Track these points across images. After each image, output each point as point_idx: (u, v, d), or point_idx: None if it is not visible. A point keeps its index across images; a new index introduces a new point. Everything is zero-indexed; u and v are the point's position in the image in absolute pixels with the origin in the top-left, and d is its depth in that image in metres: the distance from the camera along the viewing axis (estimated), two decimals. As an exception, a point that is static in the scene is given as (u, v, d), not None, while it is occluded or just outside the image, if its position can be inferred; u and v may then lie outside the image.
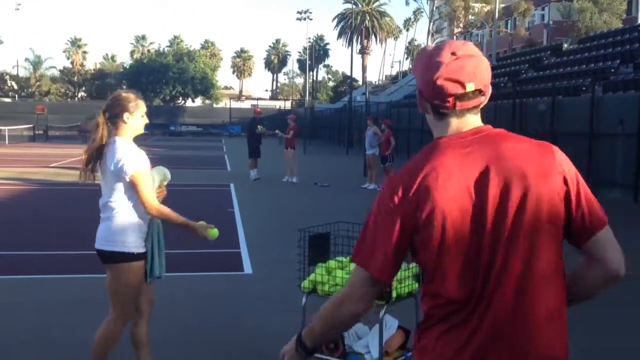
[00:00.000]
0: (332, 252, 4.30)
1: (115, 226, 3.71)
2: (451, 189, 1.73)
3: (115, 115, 3.78)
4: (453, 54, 1.79)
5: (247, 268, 7.64)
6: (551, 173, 1.78)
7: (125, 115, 3.77)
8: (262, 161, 19.07)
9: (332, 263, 4.17)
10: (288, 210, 12.89)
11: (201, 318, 5.72)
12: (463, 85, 1.78)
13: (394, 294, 3.86)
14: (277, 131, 19.07)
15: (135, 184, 3.68)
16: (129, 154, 3.71)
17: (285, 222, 11.26)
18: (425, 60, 1.83)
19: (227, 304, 6.19)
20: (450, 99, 1.79)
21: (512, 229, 1.74)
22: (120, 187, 3.72)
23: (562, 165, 1.81)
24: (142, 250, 3.78)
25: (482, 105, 1.86)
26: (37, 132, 45.42)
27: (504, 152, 1.78)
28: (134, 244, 3.73)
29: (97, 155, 3.73)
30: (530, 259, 1.74)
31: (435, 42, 69.12)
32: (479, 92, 1.81)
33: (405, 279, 3.97)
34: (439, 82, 1.78)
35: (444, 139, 1.83)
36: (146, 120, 3.87)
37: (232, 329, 5.48)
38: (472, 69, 1.78)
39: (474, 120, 1.85)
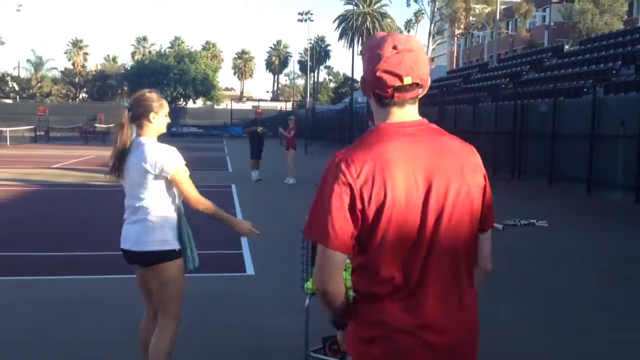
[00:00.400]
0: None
1: (154, 226, 3.64)
2: (397, 173, 1.87)
3: (140, 115, 3.71)
4: (394, 47, 1.91)
5: (250, 269, 7.65)
6: (477, 170, 2.02)
7: (152, 115, 3.73)
8: (264, 162, 19.09)
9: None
10: (290, 212, 12.89)
11: (204, 319, 5.73)
12: (401, 79, 1.91)
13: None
14: (280, 129, 19.04)
15: (178, 182, 3.66)
16: (165, 153, 3.66)
17: (287, 224, 11.25)
18: (369, 51, 1.95)
19: (230, 305, 6.19)
20: (389, 90, 1.93)
21: (448, 217, 1.92)
22: (156, 186, 3.65)
23: (481, 164, 2.05)
24: (179, 246, 3.75)
25: (419, 97, 2.01)
26: (38, 133, 45.47)
27: (444, 146, 1.98)
28: (173, 240, 3.70)
29: (123, 156, 3.69)
30: (458, 247, 1.96)
31: (436, 43, 69.25)
32: (417, 84, 1.95)
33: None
34: (378, 73, 1.92)
35: (388, 125, 1.96)
36: (168, 120, 3.86)
37: (235, 330, 5.48)
38: (410, 63, 1.91)
39: (413, 111, 2.00)
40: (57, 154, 29.60)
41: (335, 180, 1.90)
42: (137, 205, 3.66)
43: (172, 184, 3.68)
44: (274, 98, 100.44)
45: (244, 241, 9.34)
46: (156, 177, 3.62)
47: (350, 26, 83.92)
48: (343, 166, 1.89)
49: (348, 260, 4.01)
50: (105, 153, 24.88)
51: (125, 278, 7.00)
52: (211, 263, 8.15)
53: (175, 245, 3.69)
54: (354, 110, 37.61)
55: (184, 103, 75.08)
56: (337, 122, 46.42)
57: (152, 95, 3.77)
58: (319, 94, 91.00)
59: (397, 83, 1.92)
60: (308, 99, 74.93)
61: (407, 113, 1.99)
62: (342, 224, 1.88)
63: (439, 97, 27.98)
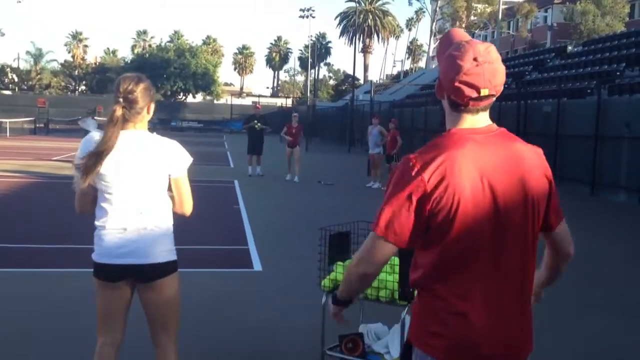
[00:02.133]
0: (352, 251, 4.27)
1: (166, 233, 3.23)
2: (466, 178, 1.92)
3: (140, 109, 3.15)
4: (475, 59, 1.95)
5: (257, 265, 7.60)
6: (546, 175, 2.08)
7: (152, 106, 3.23)
8: (266, 159, 19.03)
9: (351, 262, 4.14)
10: (293, 208, 12.86)
11: (213, 316, 5.68)
12: (478, 91, 1.98)
13: (415, 294, 3.83)
14: (281, 134, 18.79)
15: (182, 184, 3.23)
16: (177, 148, 3.22)
17: (291, 220, 11.24)
18: (449, 59, 1.99)
19: (238, 301, 6.15)
20: (465, 99, 2.00)
21: (514, 223, 1.98)
22: (162, 186, 3.19)
23: (547, 167, 2.10)
24: None
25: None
26: (38, 125, 45.34)
27: (512, 152, 2.02)
28: (175, 249, 3.33)
29: (104, 156, 3.06)
30: (523, 252, 2.02)
31: (437, 43, 68.90)
32: (492, 95, 2.02)
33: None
34: (457, 84, 1.98)
35: (460, 131, 2.03)
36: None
37: (245, 326, 5.44)
38: (489, 76, 1.97)
39: (484, 117, 2.06)
40: (57, 146, 29.51)
41: (407, 182, 1.95)
42: (141, 209, 3.14)
43: (168, 184, 3.22)
44: (274, 94, 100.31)
45: (250, 236, 9.31)
46: (162, 176, 3.16)
47: (351, 23, 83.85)
48: (416, 169, 1.95)
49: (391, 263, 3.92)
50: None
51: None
52: (217, 259, 8.13)
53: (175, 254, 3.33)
54: (354, 108, 37.51)
55: (184, 97, 74.96)
56: (338, 120, 46.32)
57: (146, 84, 3.20)
58: (319, 91, 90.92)
59: (474, 94, 1.98)
60: (308, 96, 74.82)
61: (479, 119, 2.05)
62: (404, 220, 1.95)
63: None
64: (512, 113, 21.29)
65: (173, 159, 3.19)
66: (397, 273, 3.88)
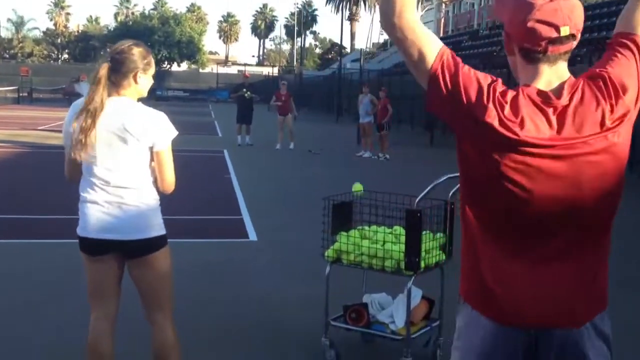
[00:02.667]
0: (354, 221, 4.22)
1: (153, 207, 3.11)
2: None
3: (125, 72, 3.00)
4: None
5: (252, 235, 7.56)
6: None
7: (139, 75, 3.04)
8: (255, 128, 18.89)
9: (354, 232, 4.10)
10: (285, 177, 12.80)
11: (209, 287, 5.63)
12: (557, 29, 1.70)
13: (422, 264, 3.80)
14: (271, 102, 18.72)
15: (164, 159, 3.05)
16: (160, 120, 3.07)
17: (283, 189, 11.18)
18: (515, 1, 1.75)
19: (234, 272, 6.11)
20: (543, 43, 1.71)
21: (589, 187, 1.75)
22: (144, 158, 3.04)
23: None
24: None
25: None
26: (21, 95, 44.72)
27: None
28: (163, 223, 3.20)
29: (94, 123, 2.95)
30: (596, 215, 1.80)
31: (425, 10, 68.62)
32: (572, 36, 1.73)
33: (432, 250, 3.92)
34: (530, 24, 1.70)
35: (532, 90, 1.74)
36: (152, 82, 3.22)
37: (245, 296, 5.40)
38: (567, 12, 1.71)
39: (563, 69, 1.78)
40: (42, 116, 29.14)
41: (473, 76, 1.76)
42: (122, 182, 3.02)
43: (151, 157, 3.06)
44: (260, 63, 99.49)
45: (243, 206, 9.25)
46: (144, 148, 3.02)
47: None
48: (484, 82, 1.75)
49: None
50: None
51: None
52: (211, 229, 8.08)
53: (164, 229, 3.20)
54: (342, 77, 37.25)
55: (169, 66, 74.14)
56: (325, 89, 46.02)
57: (141, 50, 3.07)
58: (305, 60, 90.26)
59: (554, 34, 1.70)
60: (295, 64, 74.27)
61: (557, 72, 1.76)
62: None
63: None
64: (502, 80, 21.17)
65: (155, 130, 3.03)
66: (402, 243, 3.84)
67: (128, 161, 3.01)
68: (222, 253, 6.79)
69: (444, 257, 4.04)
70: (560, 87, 1.75)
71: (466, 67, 1.76)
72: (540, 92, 1.73)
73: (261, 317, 4.94)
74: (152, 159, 3.07)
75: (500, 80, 1.75)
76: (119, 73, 3.00)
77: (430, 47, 1.75)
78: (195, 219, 8.39)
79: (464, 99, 1.71)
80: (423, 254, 3.80)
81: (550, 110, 1.71)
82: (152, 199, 3.11)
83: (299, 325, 4.75)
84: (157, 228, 3.12)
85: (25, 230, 7.62)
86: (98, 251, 3.09)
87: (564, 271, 1.77)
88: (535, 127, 1.68)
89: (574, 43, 1.76)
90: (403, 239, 3.87)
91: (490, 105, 1.69)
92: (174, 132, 3.09)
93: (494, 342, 1.82)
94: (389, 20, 1.77)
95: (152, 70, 3.15)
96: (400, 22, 1.75)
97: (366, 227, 4.17)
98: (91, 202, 3.05)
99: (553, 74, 1.76)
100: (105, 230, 3.03)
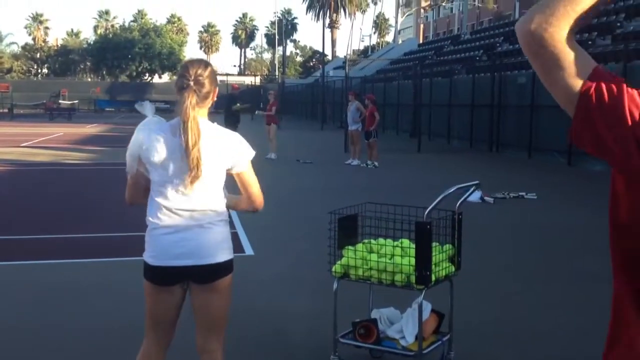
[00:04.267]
0: (360, 234, 4.15)
1: (222, 230, 3.02)
2: None
3: (206, 94, 2.96)
4: None
5: (248, 249, 7.44)
6: None
7: (216, 91, 3.04)
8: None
9: (360, 246, 4.02)
10: (276, 188, 12.65)
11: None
12: None
13: (433, 278, 3.73)
14: (257, 111, 18.72)
15: (249, 177, 3.03)
16: (241, 142, 3.02)
17: (276, 200, 11.03)
18: None
19: (235, 287, 5.96)
20: None
21: None
22: (218, 182, 2.97)
23: None
24: None
25: None
26: (1, 111, 44.26)
27: None
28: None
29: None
30: None
31: (405, 15, 68.88)
32: None
33: (441, 262, 3.85)
34: None
35: None
36: None
37: (243, 312, 5.28)
38: None
39: None
40: (24, 132, 28.80)
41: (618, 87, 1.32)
42: (198, 205, 2.92)
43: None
44: (241, 72, 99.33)
45: (236, 220, 9.12)
46: (221, 170, 2.95)
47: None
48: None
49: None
50: (73, 130, 24.29)
51: (112, 261, 6.79)
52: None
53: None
54: (325, 84, 37.25)
55: (150, 78, 73.81)
56: (308, 97, 46.02)
57: (213, 67, 3.07)
58: (286, 68, 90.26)
59: None
60: (277, 73, 74.24)
61: None
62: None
63: (413, 70, 27.85)
64: (485, 86, 21.29)
65: (235, 152, 2.96)
66: (411, 257, 3.77)
67: (205, 183, 2.91)
68: (219, 269, 6.67)
69: (453, 269, 3.97)
70: None
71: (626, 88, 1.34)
72: None
73: (266, 333, 4.84)
74: (225, 181, 3.01)
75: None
76: (201, 95, 2.94)
77: (582, 64, 1.37)
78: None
79: (629, 120, 1.31)
80: (433, 267, 3.73)
81: None
82: (224, 221, 3.04)
83: (306, 342, 4.66)
84: (228, 251, 3.05)
85: (5, 251, 7.45)
86: (169, 281, 2.98)
87: None
88: None
89: None
90: (411, 251, 3.80)
91: None
92: (251, 152, 3.04)
93: None
94: (540, 34, 1.35)
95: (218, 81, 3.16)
96: (553, 34, 1.35)
97: (372, 241, 4.10)
98: (166, 228, 2.93)
99: None
100: (179, 257, 2.92)
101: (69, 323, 5.03)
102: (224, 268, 3.01)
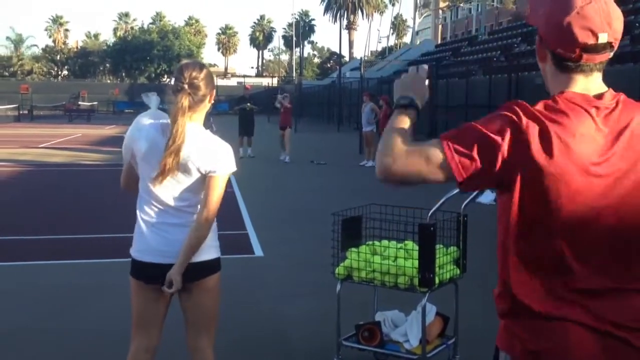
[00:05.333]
0: (364, 236, 4.10)
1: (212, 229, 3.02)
2: (570, 156, 1.54)
3: (202, 97, 2.94)
4: None
5: (258, 250, 7.43)
6: None
7: (213, 94, 3.03)
8: (256, 140, 18.80)
9: (364, 248, 3.98)
10: (288, 189, 12.68)
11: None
12: (595, 35, 1.58)
13: (437, 280, 3.68)
14: (278, 100, 18.63)
15: (216, 187, 2.91)
16: (226, 150, 2.99)
17: (288, 202, 11.06)
18: (553, 0, 1.63)
19: (241, 288, 5.97)
20: (577, 50, 1.59)
21: (618, 214, 1.59)
22: (197, 185, 2.94)
23: None
24: None
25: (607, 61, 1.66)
26: (21, 112, 44.68)
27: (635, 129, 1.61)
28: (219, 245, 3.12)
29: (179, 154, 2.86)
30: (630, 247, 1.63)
31: (423, 16, 68.68)
32: (610, 45, 1.61)
33: (446, 265, 3.79)
34: (567, 26, 1.58)
35: (576, 95, 1.61)
36: None
37: (251, 315, 5.28)
38: (607, 18, 1.59)
39: (598, 80, 1.66)
40: (43, 133, 29.07)
41: (497, 125, 1.60)
42: (183, 205, 2.94)
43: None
44: (259, 74, 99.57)
45: (247, 220, 9.13)
46: (200, 175, 2.92)
47: (335, 0, 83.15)
48: (511, 118, 1.60)
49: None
50: (91, 131, 24.47)
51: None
52: (216, 244, 7.95)
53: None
54: (342, 85, 37.19)
55: (169, 80, 74.20)
56: (324, 98, 45.96)
57: (208, 69, 3.03)
58: (304, 70, 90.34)
59: (591, 40, 1.57)
60: (294, 75, 74.34)
61: (592, 82, 1.64)
62: (477, 159, 1.60)
63: (429, 71, 27.67)
64: (502, 87, 21.11)
65: (217, 159, 2.92)
66: (414, 258, 3.72)
67: (190, 185, 2.92)
68: (227, 269, 6.55)
69: (458, 272, 3.91)
70: (601, 93, 1.63)
71: (476, 129, 1.63)
72: (579, 94, 1.61)
73: (271, 335, 4.82)
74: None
75: (518, 109, 1.60)
76: (197, 98, 2.92)
77: (435, 152, 1.65)
78: (199, 235, 8.27)
79: (507, 161, 1.58)
80: (437, 269, 3.68)
81: (593, 110, 1.59)
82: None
83: (310, 344, 4.63)
84: (214, 250, 3.03)
85: (26, 251, 7.48)
86: (153, 278, 2.96)
87: None
88: (587, 141, 1.56)
89: (610, 54, 1.63)
90: (415, 254, 3.75)
91: (533, 146, 1.55)
92: (232, 167, 2.98)
93: None
94: (388, 171, 1.67)
95: (215, 84, 3.13)
96: (397, 163, 1.67)
97: (376, 242, 4.05)
98: (149, 225, 2.95)
99: (589, 83, 1.65)
100: (163, 255, 2.93)
101: (84, 323, 5.03)
102: (208, 266, 3.00)
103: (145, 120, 3.00)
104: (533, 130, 1.55)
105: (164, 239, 2.93)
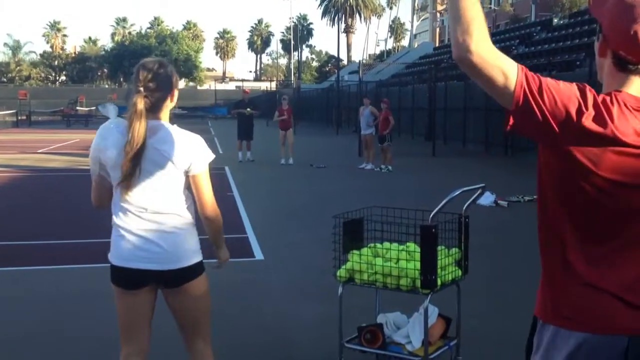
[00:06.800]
0: (366, 239, 4.10)
1: (189, 232, 2.96)
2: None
3: (162, 96, 2.87)
4: None
5: (258, 254, 7.41)
6: None
7: (176, 93, 2.95)
8: (255, 143, 18.80)
9: (366, 250, 3.97)
10: (289, 193, 12.66)
11: (218, 307, 5.46)
12: None
13: (439, 282, 3.67)
14: (275, 117, 18.64)
15: (201, 182, 2.91)
16: (197, 143, 2.91)
17: (288, 205, 11.04)
18: (619, 4, 1.67)
19: (243, 293, 5.96)
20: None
21: None
22: (180, 182, 2.91)
23: None
24: None
25: None
26: (20, 118, 44.68)
27: None
28: (199, 247, 3.05)
29: (140, 155, 2.81)
30: None
31: (420, 19, 68.75)
32: None
33: (447, 266, 3.79)
34: (634, 35, 1.64)
35: (626, 96, 1.67)
36: None
37: (252, 318, 5.27)
38: None
39: None
40: (41, 138, 29.07)
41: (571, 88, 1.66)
42: (159, 208, 2.88)
43: (188, 181, 2.95)
44: (257, 78, 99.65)
45: (247, 224, 9.11)
46: (180, 172, 2.88)
47: (333, 3, 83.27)
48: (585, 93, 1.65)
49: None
50: (89, 136, 24.39)
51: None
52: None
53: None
54: (340, 89, 37.22)
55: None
56: (323, 102, 46.01)
57: (170, 67, 2.94)
58: (302, 74, 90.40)
59: None
60: (292, 79, 74.40)
61: None
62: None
63: (429, 73, 27.74)
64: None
65: (192, 153, 2.87)
66: (416, 260, 3.72)
67: (165, 186, 2.87)
68: (228, 273, 6.57)
69: (460, 273, 3.91)
70: None
71: (550, 79, 1.69)
72: (633, 97, 1.67)
73: (273, 338, 4.80)
74: (187, 184, 2.94)
75: (588, 86, 1.67)
76: (156, 97, 2.84)
77: (510, 66, 1.63)
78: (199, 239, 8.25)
79: (561, 109, 1.61)
80: (439, 271, 3.67)
81: None
82: (189, 224, 2.97)
83: (313, 347, 4.61)
84: (196, 254, 2.98)
85: (24, 257, 7.47)
86: (134, 284, 2.94)
87: None
88: (631, 132, 1.62)
89: None
90: (417, 255, 3.75)
91: (587, 111, 1.61)
92: (210, 155, 2.95)
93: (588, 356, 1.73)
94: (466, 48, 1.61)
95: (178, 82, 3.03)
96: (478, 48, 1.60)
97: (378, 245, 4.04)
98: (127, 230, 2.90)
99: None
100: (142, 260, 2.88)
101: (85, 329, 5.02)
102: (190, 271, 2.94)
103: (108, 128, 2.93)
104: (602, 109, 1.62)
105: (141, 244, 2.88)
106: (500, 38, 31.60)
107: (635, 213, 1.70)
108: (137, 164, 2.80)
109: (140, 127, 2.78)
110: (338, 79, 35.63)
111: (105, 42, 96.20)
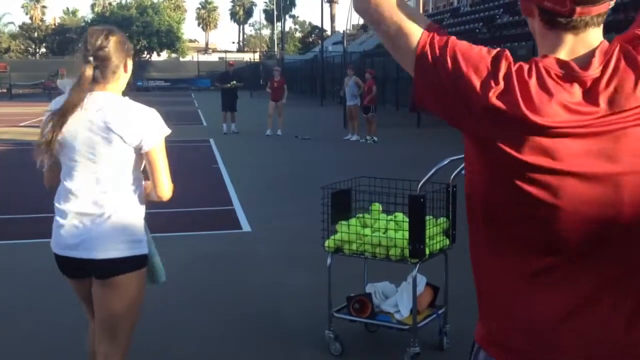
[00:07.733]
0: (354, 209, 4.11)
1: (123, 220, 2.65)
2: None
3: (112, 66, 2.64)
4: None
5: (245, 226, 7.42)
6: None
7: (129, 63, 2.71)
8: (239, 115, 18.71)
9: (354, 221, 3.98)
10: (274, 164, 12.64)
11: (207, 280, 5.52)
12: None
13: (427, 251, 3.70)
14: (267, 89, 18.66)
15: (155, 160, 2.65)
16: (149, 116, 2.67)
17: (273, 177, 11.03)
18: None
19: (232, 264, 5.98)
20: (568, 2, 1.32)
21: None
22: (124, 162, 2.64)
23: None
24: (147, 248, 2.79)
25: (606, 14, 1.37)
26: (0, 91, 44.07)
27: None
28: (145, 241, 2.74)
29: (65, 121, 2.58)
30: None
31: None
32: None
33: (435, 235, 3.81)
34: None
35: (549, 61, 1.35)
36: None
37: (242, 290, 5.29)
38: None
39: (595, 40, 1.37)
40: (23, 112, 28.71)
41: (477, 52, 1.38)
42: (93, 189, 2.63)
43: (141, 161, 2.69)
44: (240, 49, 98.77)
45: (234, 196, 9.10)
46: (129, 149, 2.61)
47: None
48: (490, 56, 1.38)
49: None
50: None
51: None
52: (203, 220, 7.94)
53: (145, 248, 2.73)
54: (324, 60, 36.99)
55: (148, 56, 73.40)
56: (307, 73, 45.75)
57: (121, 37, 2.70)
58: (286, 44, 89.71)
59: None
60: (276, 50, 73.85)
61: (585, 41, 1.37)
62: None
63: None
64: (485, 58, 21.08)
65: (143, 128, 2.62)
66: (405, 230, 3.73)
67: (111, 164, 2.62)
68: (215, 245, 6.65)
69: (447, 242, 3.93)
70: (589, 56, 1.35)
71: (463, 42, 1.41)
72: (561, 63, 1.34)
73: (263, 309, 4.83)
74: (140, 164, 2.71)
75: (507, 52, 1.39)
76: (105, 68, 2.62)
77: (414, 25, 1.41)
78: (183, 211, 8.20)
79: (465, 78, 1.34)
80: (427, 240, 3.69)
81: (574, 87, 1.32)
82: (131, 210, 2.69)
83: (302, 317, 4.65)
84: (133, 246, 2.68)
85: (4, 231, 7.43)
86: (71, 272, 2.77)
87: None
88: (556, 109, 1.30)
89: (612, 3, 1.35)
90: (405, 225, 3.76)
91: (496, 84, 1.33)
92: (165, 130, 2.69)
93: None
94: (364, 7, 1.45)
95: (131, 51, 2.78)
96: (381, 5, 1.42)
97: (366, 215, 4.06)
98: (62, 213, 2.69)
99: (580, 43, 1.37)
100: (76, 247, 2.66)
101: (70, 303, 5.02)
102: (120, 264, 2.65)
103: (58, 102, 2.71)
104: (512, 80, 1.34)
105: (79, 231, 2.65)
106: (484, 7, 31.46)
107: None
108: (56, 129, 2.58)
109: (80, 94, 2.58)
110: (322, 50, 35.41)
111: (85, 13, 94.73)
